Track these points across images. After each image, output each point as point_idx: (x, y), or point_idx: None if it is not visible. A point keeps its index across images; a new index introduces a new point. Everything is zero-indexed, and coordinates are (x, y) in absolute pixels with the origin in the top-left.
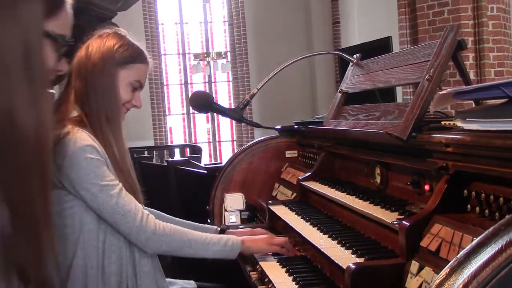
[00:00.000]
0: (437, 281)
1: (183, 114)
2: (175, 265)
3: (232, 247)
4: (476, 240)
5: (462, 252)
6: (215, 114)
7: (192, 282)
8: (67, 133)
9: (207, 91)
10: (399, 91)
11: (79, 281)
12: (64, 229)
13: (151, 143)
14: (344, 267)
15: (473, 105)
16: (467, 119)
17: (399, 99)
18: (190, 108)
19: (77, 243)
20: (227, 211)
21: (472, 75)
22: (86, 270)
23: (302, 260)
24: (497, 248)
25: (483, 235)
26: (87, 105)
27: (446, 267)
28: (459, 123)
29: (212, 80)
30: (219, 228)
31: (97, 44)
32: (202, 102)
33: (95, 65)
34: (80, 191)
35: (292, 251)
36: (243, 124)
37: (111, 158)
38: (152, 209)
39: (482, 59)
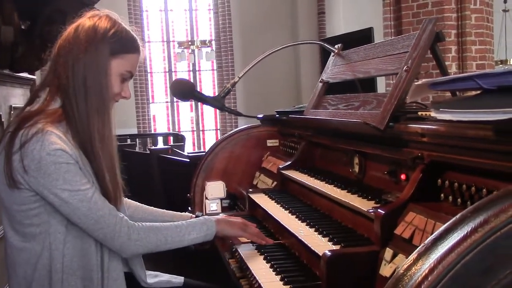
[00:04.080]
0: (405, 266)
1: (166, 102)
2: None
3: (206, 232)
4: (443, 227)
5: (429, 238)
6: (199, 102)
7: (180, 277)
8: (35, 133)
9: (191, 79)
10: (382, 82)
11: (45, 281)
12: (31, 228)
13: (134, 131)
14: (321, 254)
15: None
16: (441, 109)
17: (382, 90)
18: None
19: (44, 243)
20: (208, 199)
21: (454, 68)
22: (51, 271)
23: (280, 247)
24: (462, 234)
25: (450, 221)
26: (69, 96)
27: (414, 252)
28: (433, 113)
29: (197, 69)
30: (194, 216)
31: (87, 29)
32: (183, 90)
33: (86, 52)
34: (49, 196)
35: (265, 241)
36: (227, 113)
37: (88, 158)
38: (131, 201)
39: (464, 52)
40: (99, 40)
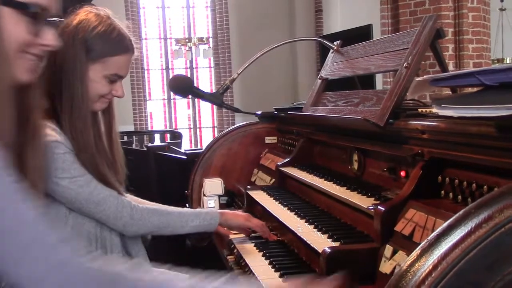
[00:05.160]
0: (408, 262)
1: (163, 99)
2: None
3: (210, 221)
4: (447, 222)
5: (433, 234)
6: (196, 100)
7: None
8: None
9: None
10: (379, 79)
11: None
12: None
13: (130, 128)
14: (320, 251)
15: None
16: (442, 105)
17: (379, 87)
18: (171, 93)
19: None
20: (205, 196)
21: (451, 66)
22: None
23: (279, 244)
24: (466, 230)
25: (453, 217)
26: (52, 96)
27: (417, 248)
28: (434, 109)
29: (194, 66)
30: None
31: (71, 30)
32: (182, 86)
33: (65, 54)
34: (49, 185)
35: (269, 235)
36: (224, 110)
37: (76, 152)
38: (133, 196)
39: (462, 50)
40: (79, 43)
